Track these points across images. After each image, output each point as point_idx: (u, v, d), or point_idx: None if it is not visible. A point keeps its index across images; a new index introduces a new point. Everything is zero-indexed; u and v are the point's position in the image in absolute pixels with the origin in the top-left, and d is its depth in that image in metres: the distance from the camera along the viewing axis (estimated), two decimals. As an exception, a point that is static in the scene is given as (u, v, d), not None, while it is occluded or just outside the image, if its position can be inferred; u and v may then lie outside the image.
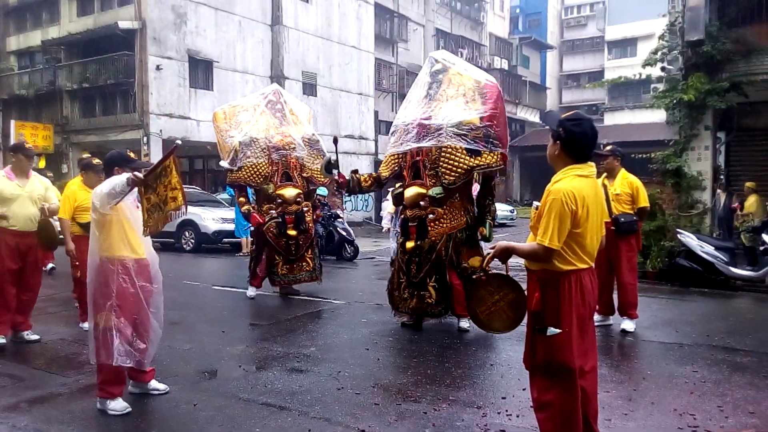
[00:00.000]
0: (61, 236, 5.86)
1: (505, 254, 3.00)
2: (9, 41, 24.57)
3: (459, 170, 5.95)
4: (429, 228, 6.07)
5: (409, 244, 6.15)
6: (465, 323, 6.15)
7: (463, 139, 5.91)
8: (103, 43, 20.66)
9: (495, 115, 5.98)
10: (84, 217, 5.50)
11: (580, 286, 2.89)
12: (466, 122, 5.93)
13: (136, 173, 3.74)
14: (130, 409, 3.89)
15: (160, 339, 4.19)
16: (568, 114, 3.01)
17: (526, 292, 3.07)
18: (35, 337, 5.76)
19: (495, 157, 5.94)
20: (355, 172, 6.77)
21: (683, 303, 8.01)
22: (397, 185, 6.50)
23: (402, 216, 6.42)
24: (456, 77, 6.26)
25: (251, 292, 8.01)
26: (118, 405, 3.88)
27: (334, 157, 6.59)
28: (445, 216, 6.09)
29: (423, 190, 6.10)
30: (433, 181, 6.09)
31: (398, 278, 6.37)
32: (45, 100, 22.53)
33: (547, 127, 3.06)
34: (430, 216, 6.08)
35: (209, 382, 4.60)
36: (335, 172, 6.59)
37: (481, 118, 5.93)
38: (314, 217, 8.42)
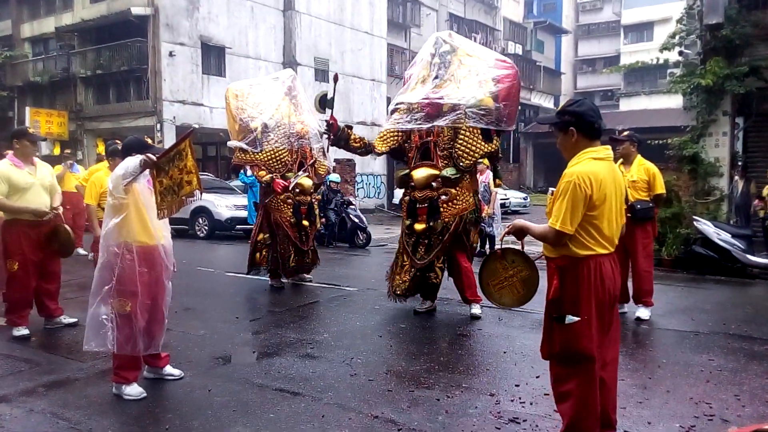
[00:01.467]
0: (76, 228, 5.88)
1: (520, 232, 3.04)
2: (23, 28, 24.67)
3: (476, 155, 5.98)
4: (442, 209, 6.00)
5: (420, 226, 6.06)
6: (477, 309, 6.13)
7: (481, 120, 5.89)
8: (116, 29, 20.69)
9: (510, 95, 6.00)
10: None
11: (600, 272, 2.85)
12: (484, 103, 5.90)
13: (149, 155, 3.76)
14: (145, 394, 3.93)
15: (175, 325, 4.21)
16: (563, 105, 3.07)
17: (545, 279, 3.05)
18: (73, 320, 5.77)
19: (498, 142, 6.13)
20: (350, 127, 6.47)
21: (699, 291, 7.93)
22: (403, 168, 6.37)
23: (407, 198, 6.29)
24: (466, 58, 6.20)
25: (278, 283, 7.90)
26: (133, 390, 3.92)
27: (330, 94, 6.41)
28: (458, 197, 6.04)
29: (435, 171, 6.04)
30: (446, 162, 6.04)
31: (402, 261, 6.29)
32: (59, 87, 22.65)
33: (548, 126, 3.07)
34: (443, 197, 6.00)
35: (223, 367, 4.63)
36: (328, 112, 6.42)
37: (495, 98, 5.91)
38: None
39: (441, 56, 6.27)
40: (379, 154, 6.57)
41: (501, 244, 3.28)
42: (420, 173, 6.12)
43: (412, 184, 6.19)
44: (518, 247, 3.17)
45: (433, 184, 6.03)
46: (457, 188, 6.05)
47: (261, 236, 7.90)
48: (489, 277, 3.25)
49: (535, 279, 3.11)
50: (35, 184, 5.37)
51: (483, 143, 5.96)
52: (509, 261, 3.18)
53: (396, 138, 6.35)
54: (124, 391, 3.91)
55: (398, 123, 6.25)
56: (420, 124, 6.09)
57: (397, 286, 6.29)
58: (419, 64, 6.45)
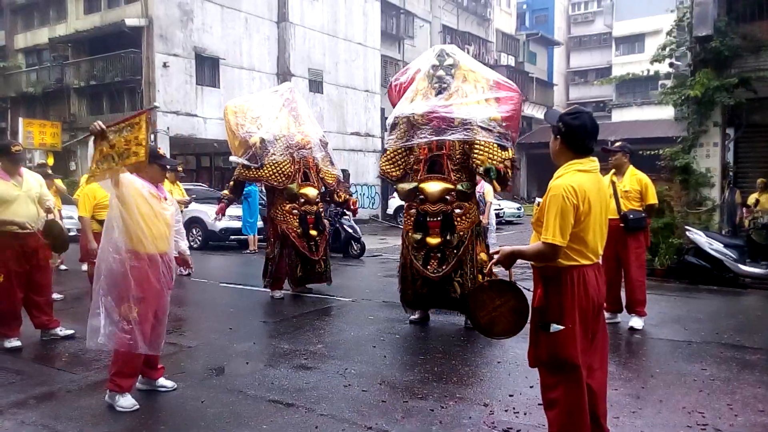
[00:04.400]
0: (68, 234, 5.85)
1: (509, 259, 2.94)
2: (17, 39, 24.66)
3: (495, 160, 5.82)
4: (456, 222, 5.96)
5: (434, 240, 5.98)
6: (472, 320, 6.12)
7: (492, 134, 5.88)
8: (110, 40, 20.71)
9: (512, 117, 6.02)
10: (103, 214, 5.44)
11: (583, 282, 2.87)
12: (493, 118, 5.91)
13: (98, 122, 3.90)
14: (138, 406, 3.91)
15: (168, 336, 4.20)
16: (567, 109, 3.04)
17: (531, 296, 3.02)
18: (69, 331, 5.70)
19: (512, 153, 6.00)
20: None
21: (692, 300, 7.97)
22: (409, 181, 6.21)
23: (413, 210, 6.17)
24: (470, 74, 6.21)
25: (278, 293, 7.87)
26: (126, 402, 3.90)
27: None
28: (470, 210, 6.06)
29: (449, 185, 5.99)
30: (459, 175, 6.01)
31: (412, 275, 6.16)
32: (52, 98, 22.62)
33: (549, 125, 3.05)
34: (457, 210, 5.97)
35: (217, 378, 4.61)
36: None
37: (502, 117, 5.94)
38: (324, 210, 8.42)
39: (446, 69, 6.26)
40: (394, 181, 6.37)
41: (488, 275, 3.11)
42: (434, 187, 6.03)
43: (422, 197, 6.09)
44: (506, 278, 3.07)
45: (447, 197, 5.98)
46: (469, 202, 6.09)
47: (268, 249, 7.95)
48: (477, 310, 3.12)
49: (525, 307, 2.99)
50: (21, 196, 5.32)
51: (500, 151, 5.89)
52: (496, 292, 3.06)
53: (404, 156, 6.28)
54: (117, 402, 3.89)
55: (403, 140, 6.20)
56: (429, 137, 6.04)
57: (414, 301, 6.23)
58: (418, 76, 6.39)
